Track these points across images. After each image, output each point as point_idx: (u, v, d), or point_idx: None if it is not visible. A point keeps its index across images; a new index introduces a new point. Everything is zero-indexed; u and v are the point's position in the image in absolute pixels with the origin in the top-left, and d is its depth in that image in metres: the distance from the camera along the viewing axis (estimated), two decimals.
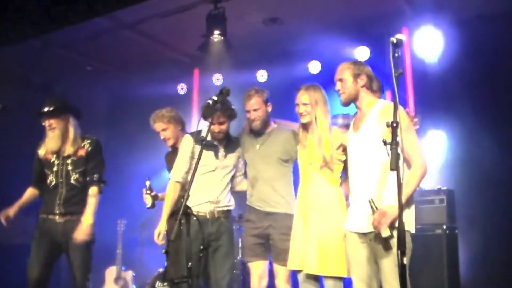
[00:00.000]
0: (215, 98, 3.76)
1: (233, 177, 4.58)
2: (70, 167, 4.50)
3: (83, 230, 4.35)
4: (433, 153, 6.07)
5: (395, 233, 3.11)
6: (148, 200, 4.76)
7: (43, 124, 4.51)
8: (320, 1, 6.19)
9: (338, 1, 6.26)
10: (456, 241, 5.47)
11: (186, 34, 6.97)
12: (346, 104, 3.67)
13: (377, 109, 3.50)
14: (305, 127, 4.08)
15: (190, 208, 3.41)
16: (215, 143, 4.42)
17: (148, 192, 4.77)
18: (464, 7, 6.04)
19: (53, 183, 4.50)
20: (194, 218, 3.81)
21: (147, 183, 4.77)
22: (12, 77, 7.06)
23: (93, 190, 4.49)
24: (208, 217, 4.37)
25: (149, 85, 7.92)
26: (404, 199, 3.02)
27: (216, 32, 6.13)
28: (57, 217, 4.44)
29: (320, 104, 3.97)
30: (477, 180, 5.92)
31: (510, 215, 5.69)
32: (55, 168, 4.52)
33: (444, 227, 5.32)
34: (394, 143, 2.67)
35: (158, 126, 4.87)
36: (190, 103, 8.08)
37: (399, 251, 2.52)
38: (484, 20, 6.01)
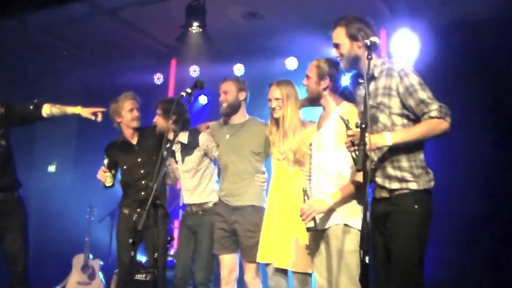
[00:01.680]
0: (188, 90, 3.77)
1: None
2: None
3: None
4: None
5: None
6: (108, 179, 4.67)
7: None
8: None
9: None
10: None
11: (165, 24, 6.91)
12: (309, 100, 3.77)
13: (340, 111, 3.54)
14: (277, 121, 4.11)
15: (158, 199, 3.42)
16: (173, 149, 4.50)
17: (107, 170, 4.67)
18: (441, 12, 6.11)
19: None
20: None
21: (105, 161, 4.70)
22: None
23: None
24: (188, 211, 4.58)
25: (125, 73, 7.84)
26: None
27: (195, 23, 6.10)
28: None
29: (291, 99, 4.02)
30: (447, 190, 5.96)
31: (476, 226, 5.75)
32: None
33: None
34: (362, 144, 2.70)
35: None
36: (166, 93, 8.04)
37: (361, 250, 2.55)
38: (460, 26, 6.07)
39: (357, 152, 2.77)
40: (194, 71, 7.87)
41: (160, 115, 4.74)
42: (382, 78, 3.16)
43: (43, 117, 4.63)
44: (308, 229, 3.45)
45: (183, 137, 4.65)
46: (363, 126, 2.72)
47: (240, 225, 4.27)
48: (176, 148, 4.70)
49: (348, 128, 2.98)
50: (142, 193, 4.71)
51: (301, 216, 3.43)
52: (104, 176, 4.63)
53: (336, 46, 3.34)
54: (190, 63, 7.76)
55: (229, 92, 4.44)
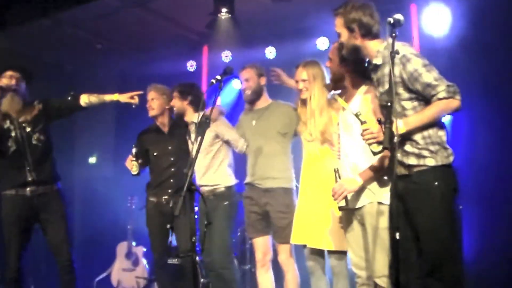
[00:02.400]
0: (218, 77, 3.82)
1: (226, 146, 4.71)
2: (28, 129, 4.54)
3: None
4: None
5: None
6: (134, 167, 4.76)
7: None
8: None
9: None
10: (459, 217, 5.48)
11: (195, 12, 6.93)
12: (333, 81, 3.80)
13: (363, 91, 3.56)
14: (305, 103, 4.13)
15: (194, 184, 3.49)
16: (189, 128, 4.53)
17: (134, 159, 4.76)
18: None
19: (13, 148, 4.49)
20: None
21: (133, 150, 4.78)
22: (23, 57, 7.10)
23: None
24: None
25: (159, 63, 7.95)
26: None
27: (224, 10, 6.18)
28: (28, 189, 4.46)
29: (318, 80, 4.03)
30: (483, 158, 5.91)
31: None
32: (13, 134, 4.52)
33: None
34: (388, 122, 2.70)
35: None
36: (199, 80, 8.10)
37: (391, 227, 2.57)
38: None
39: (374, 145, 2.86)
40: (226, 56, 7.90)
41: (176, 97, 4.81)
42: (386, 65, 3.16)
43: (82, 107, 4.76)
44: (341, 208, 3.49)
45: (196, 117, 4.70)
46: (389, 104, 2.73)
47: (272, 206, 4.31)
48: (192, 128, 4.76)
49: (361, 122, 3.07)
50: (172, 180, 4.80)
51: (333, 195, 3.46)
52: (131, 164, 4.75)
53: (338, 34, 3.38)
54: (221, 49, 7.78)
55: (250, 79, 4.50)
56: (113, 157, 8.72)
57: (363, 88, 3.59)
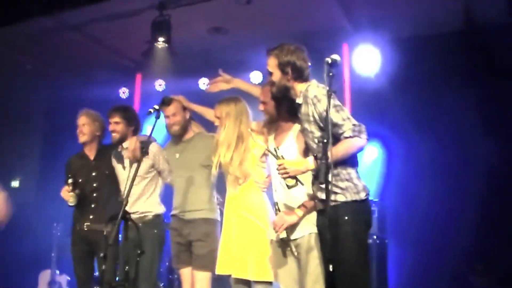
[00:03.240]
0: (156, 107, 3.83)
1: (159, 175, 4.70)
2: None
3: None
4: (368, 166, 6.34)
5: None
6: (72, 198, 4.61)
7: None
8: (263, 14, 6.35)
9: (281, 14, 6.40)
10: (385, 250, 5.72)
11: (131, 39, 6.97)
12: (269, 122, 3.87)
13: (296, 129, 3.66)
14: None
15: (128, 213, 3.46)
16: (122, 153, 4.52)
17: (70, 189, 4.63)
18: (400, 28, 6.33)
19: None
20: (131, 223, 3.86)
21: (69, 180, 4.64)
22: None
23: None
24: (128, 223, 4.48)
25: (90, 88, 7.87)
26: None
27: (161, 39, 6.17)
28: None
29: (231, 117, 4.14)
30: (410, 193, 6.19)
31: (439, 228, 5.96)
32: None
33: (375, 237, 5.54)
34: (324, 158, 2.82)
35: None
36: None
37: (324, 259, 2.66)
38: (420, 40, 6.35)
39: (288, 179, 3.06)
40: (159, 85, 7.92)
41: (120, 123, 4.75)
42: (303, 105, 3.36)
43: None
44: (282, 240, 3.56)
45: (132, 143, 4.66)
46: (325, 140, 2.86)
47: (192, 236, 4.37)
48: (125, 154, 4.72)
49: (277, 158, 3.28)
50: (93, 205, 4.74)
51: (274, 228, 3.55)
52: (68, 195, 4.63)
53: (269, 73, 3.48)
54: (156, 77, 7.80)
55: (177, 114, 4.53)
56: (37, 182, 8.47)
57: (297, 126, 3.70)
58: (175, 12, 6.16)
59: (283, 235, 3.52)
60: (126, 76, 8.19)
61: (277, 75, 3.43)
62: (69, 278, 6.82)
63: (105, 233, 4.38)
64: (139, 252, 3.64)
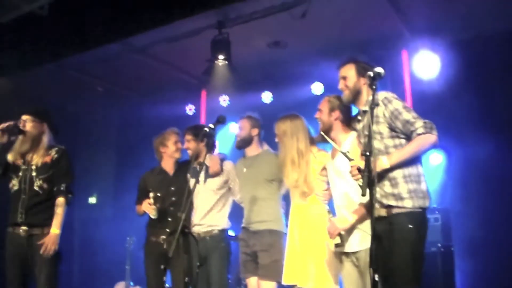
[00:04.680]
0: (211, 126, 4.00)
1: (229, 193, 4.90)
2: (34, 173, 4.44)
3: (50, 240, 4.25)
4: (432, 172, 6.26)
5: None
6: (154, 212, 4.77)
7: (18, 124, 4.47)
8: (321, 24, 6.40)
9: (337, 25, 6.45)
10: (452, 259, 5.61)
11: (193, 57, 7.17)
12: (323, 131, 3.94)
13: (353, 135, 3.79)
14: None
15: (187, 227, 3.62)
16: (198, 168, 4.69)
17: (152, 202, 4.80)
18: (457, 30, 6.26)
19: (15, 188, 4.45)
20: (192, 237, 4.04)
21: (151, 195, 4.83)
22: (27, 99, 7.32)
23: (59, 201, 4.39)
24: (198, 237, 4.67)
25: (158, 106, 8.19)
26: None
27: (221, 56, 6.34)
28: (20, 229, 4.35)
29: (287, 135, 4.34)
30: (476, 200, 6.05)
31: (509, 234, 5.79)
32: (20, 173, 4.47)
33: (439, 245, 5.46)
34: (366, 171, 2.89)
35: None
36: (198, 124, 8.29)
37: (371, 268, 2.72)
38: (477, 41, 6.24)
39: (361, 180, 2.99)
40: (224, 100, 8.13)
41: (190, 140, 4.98)
42: (370, 110, 3.37)
43: None
44: (336, 245, 3.68)
45: (208, 159, 4.88)
46: (367, 154, 2.93)
47: (258, 246, 4.52)
48: (200, 169, 4.90)
49: (349, 159, 3.30)
50: (170, 219, 4.92)
51: (328, 234, 3.68)
52: (150, 208, 4.79)
53: (344, 78, 3.62)
54: (219, 93, 8.01)
55: (243, 129, 4.82)
56: (112, 198, 8.86)
57: (353, 133, 3.83)
58: (233, 30, 6.32)
59: (337, 241, 3.63)
60: (191, 93, 8.46)
61: (352, 80, 3.57)
62: None
63: (165, 247, 4.58)
64: (198, 264, 3.79)
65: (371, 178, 2.87)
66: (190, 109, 8.54)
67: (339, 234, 3.63)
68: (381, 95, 3.40)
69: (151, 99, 8.41)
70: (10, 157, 4.52)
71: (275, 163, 4.58)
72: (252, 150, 4.86)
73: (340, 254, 3.78)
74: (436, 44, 6.46)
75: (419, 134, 3.20)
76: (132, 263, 7.11)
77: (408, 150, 3.24)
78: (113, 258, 7.59)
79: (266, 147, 4.88)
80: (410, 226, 3.19)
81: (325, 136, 3.86)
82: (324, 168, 4.18)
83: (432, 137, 3.20)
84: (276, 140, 4.45)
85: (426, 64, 6.56)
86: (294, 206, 4.36)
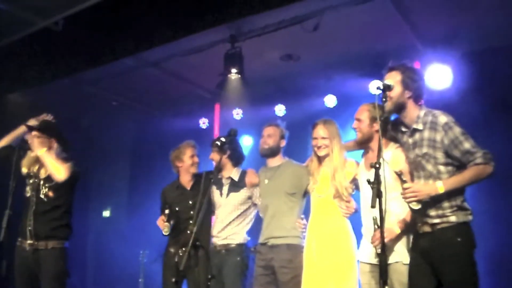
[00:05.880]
0: (223, 139, 4.01)
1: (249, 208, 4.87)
2: (41, 182, 4.55)
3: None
4: None
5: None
6: (166, 228, 4.82)
7: (26, 139, 4.58)
8: (332, 37, 6.40)
9: (350, 36, 6.44)
10: None
11: (206, 71, 7.21)
12: (360, 142, 3.93)
13: (389, 153, 3.73)
14: (319, 160, 4.33)
15: (198, 240, 3.62)
16: (223, 181, 4.67)
17: (165, 219, 4.86)
18: (470, 42, 6.23)
19: (27, 195, 4.55)
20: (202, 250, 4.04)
21: (166, 211, 4.87)
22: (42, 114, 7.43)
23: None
24: (214, 250, 4.71)
25: (172, 120, 8.24)
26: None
27: (233, 70, 6.37)
28: (27, 243, 4.39)
29: (336, 138, 4.24)
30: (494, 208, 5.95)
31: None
32: (31, 181, 4.60)
33: None
34: (375, 182, 2.88)
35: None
36: (212, 137, 8.31)
37: (381, 281, 2.70)
38: (489, 52, 6.19)
39: (413, 203, 3.06)
40: (237, 114, 8.14)
41: (215, 151, 4.99)
42: (426, 130, 3.39)
43: None
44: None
45: (235, 174, 4.92)
46: (377, 165, 2.92)
47: (276, 262, 4.46)
48: (226, 182, 4.93)
49: (403, 182, 3.28)
50: (189, 232, 4.93)
51: (372, 242, 3.55)
52: (163, 225, 4.84)
53: (388, 87, 3.40)
54: (233, 107, 8.03)
55: (273, 136, 4.72)
56: (126, 212, 8.90)
57: (393, 145, 3.78)
58: (246, 43, 6.35)
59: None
60: (205, 107, 8.47)
61: (397, 91, 3.42)
62: None
63: (176, 260, 4.59)
64: (209, 277, 3.80)
65: (379, 190, 2.86)
66: (203, 123, 8.56)
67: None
68: (441, 117, 3.34)
69: (165, 113, 8.48)
70: (23, 168, 4.64)
71: (298, 174, 4.56)
72: (275, 161, 4.79)
73: (366, 266, 3.76)
74: (448, 56, 6.44)
75: (476, 164, 3.19)
76: (145, 276, 7.13)
77: (466, 178, 3.24)
78: (127, 271, 7.61)
79: (286, 157, 4.85)
80: (458, 239, 3.22)
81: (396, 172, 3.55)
82: (354, 179, 4.16)
83: (489, 168, 3.21)
84: (320, 143, 4.29)
85: (438, 75, 6.53)
86: (317, 215, 4.31)
